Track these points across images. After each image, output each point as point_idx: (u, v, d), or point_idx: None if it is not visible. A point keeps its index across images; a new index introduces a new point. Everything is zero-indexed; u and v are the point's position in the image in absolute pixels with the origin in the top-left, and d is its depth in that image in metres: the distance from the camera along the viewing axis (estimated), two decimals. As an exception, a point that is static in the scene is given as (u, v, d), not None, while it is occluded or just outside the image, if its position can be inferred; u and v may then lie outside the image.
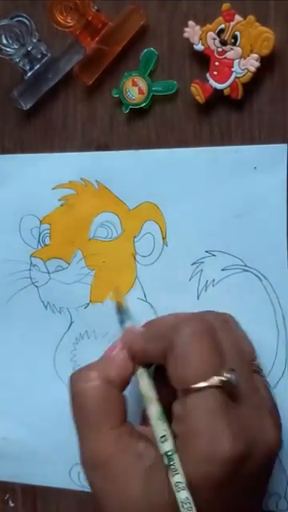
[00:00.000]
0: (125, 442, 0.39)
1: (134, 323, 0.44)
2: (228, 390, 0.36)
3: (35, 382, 0.52)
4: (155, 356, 0.40)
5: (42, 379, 0.51)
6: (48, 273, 0.50)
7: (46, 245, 0.51)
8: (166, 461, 0.36)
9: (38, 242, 0.51)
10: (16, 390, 0.52)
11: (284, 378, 0.45)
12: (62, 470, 0.51)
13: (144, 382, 0.41)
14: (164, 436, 0.37)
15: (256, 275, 0.45)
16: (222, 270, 0.46)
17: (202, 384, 0.35)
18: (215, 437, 0.35)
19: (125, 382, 0.41)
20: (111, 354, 0.42)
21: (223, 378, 0.36)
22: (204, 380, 0.36)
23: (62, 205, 0.50)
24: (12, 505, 0.54)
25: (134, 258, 0.48)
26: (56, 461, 0.51)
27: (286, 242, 0.44)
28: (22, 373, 0.52)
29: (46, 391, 0.51)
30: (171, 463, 0.35)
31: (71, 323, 0.50)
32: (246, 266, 0.45)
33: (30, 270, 0.51)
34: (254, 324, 0.45)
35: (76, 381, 0.41)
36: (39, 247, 0.51)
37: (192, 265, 0.47)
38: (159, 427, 0.38)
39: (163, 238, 0.47)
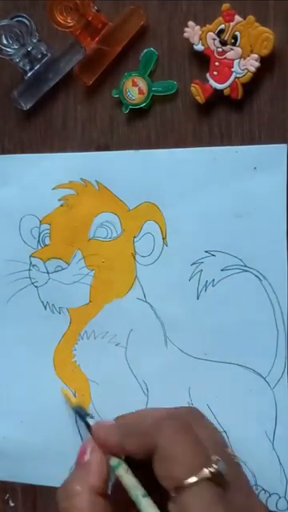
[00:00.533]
0: None
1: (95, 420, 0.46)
2: (218, 480, 0.37)
3: (35, 381, 0.52)
4: (134, 453, 0.40)
5: (42, 379, 0.51)
6: (47, 273, 0.51)
7: (45, 245, 0.51)
8: None
9: (38, 242, 0.51)
10: (16, 389, 0.52)
11: (284, 377, 0.45)
12: (62, 470, 0.51)
13: (128, 480, 0.41)
14: None
15: (256, 275, 0.45)
16: (222, 270, 0.46)
17: (194, 479, 0.36)
18: None
19: (106, 483, 0.42)
20: (84, 460, 0.42)
21: (212, 470, 0.36)
22: (194, 474, 0.36)
23: (61, 205, 0.50)
24: (12, 504, 0.54)
25: (134, 258, 0.48)
26: (56, 461, 0.51)
27: (286, 242, 0.44)
28: (21, 373, 0.52)
29: (46, 391, 0.51)
30: None
31: (70, 323, 0.51)
32: (245, 266, 0.46)
33: (29, 270, 0.51)
34: (253, 324, 0.45)
35: (62, 499, 0.41)
36: (39, 247, 0.51)
37: (192, 265, 0.47)
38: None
39: (163, 238, 0.47)
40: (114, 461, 0.41)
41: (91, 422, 0.46)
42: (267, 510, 0.41)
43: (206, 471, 0.36)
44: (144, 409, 0.44)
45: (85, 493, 0.40)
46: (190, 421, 0.40)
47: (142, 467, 0.40)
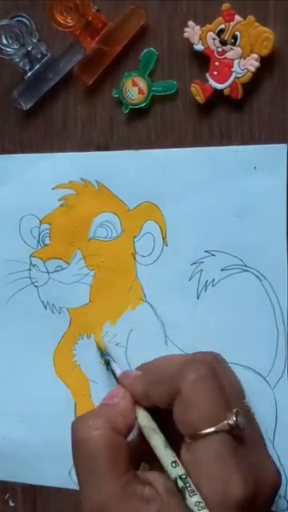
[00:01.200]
0: (131, 489, 0.38)
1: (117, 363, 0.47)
2: (235, 433, 0.36)
3: (35, 381, 0.52)
4: (159, 400, 0.40)
5: (42, 379, 0.51)
6: (48, 273, 0.51)
7: (45, 245, 0.51)
8: (180, 484, 0.36)
9: (38, 241, 0.51)
10: (16, 389, 0.52)
11: (284, 377, 0.45)
12: (62, 470, 0.51)
13: (142, 414, 0.41)
14: (175, 462, 0.37)
15: (256, 275, 0.45)
16: (222, 269, 0.46)
17: (211, 429, 0.36)
18: (227, 483, 0.35)
19: (130, 429, 0.41)
20: (113, 400, 0.42)
21: (231, 422, 0.36)
22: (212, 425, 0.36)
23: (61, 205, 0.50)
24: (12, 504, 0.54)
25: (134, 258, 0.48)
26: (56, 460, 0.51)
27: (286, 242, 0.44)
28: (21, 373, 0.52)
29: (46, 391, 0.51)
30: (187, 485, 0.35)
31: (70, 323, 0.51)
32: (245, 265, 0.46)
33: (29, 269, 0.51)
34: (253, 324, 0.45)
35: (80, 428, 0.40)
36: (39, 247, 0.51)
37: (192, 265, 0.47)
38: (168, 454, 0.38)
39: (163, 238, 0.47)
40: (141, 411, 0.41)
41: (113, 365, 0.46)
42: (278, 469, 0.40)
43: (224, 423, 0.36)
44: (169, 354, 0.43)
45: (106, 428, 0.39)
46: (214, 365, 0.39)
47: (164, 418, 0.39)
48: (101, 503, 0.37)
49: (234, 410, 0.37)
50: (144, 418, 0.41)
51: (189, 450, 0.37)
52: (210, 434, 0.36)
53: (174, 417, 0.38)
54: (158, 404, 0.40)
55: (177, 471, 0.37)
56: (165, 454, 0.38)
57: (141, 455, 0.41)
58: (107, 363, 0.47)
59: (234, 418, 0.36)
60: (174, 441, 0.39)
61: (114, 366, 0.47)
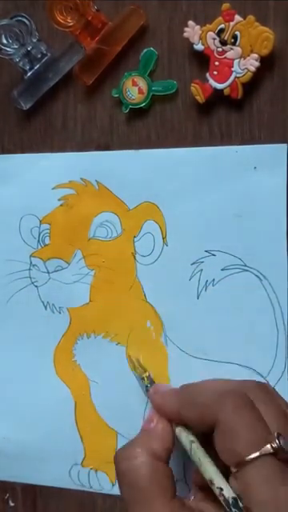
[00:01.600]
0: None
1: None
2: (281, 455, 0.36)
3: (35, 381, 0.52)
4: (190, 422, 0.40)
5: (42, 379, 0.51)
6: (48, 273, 0.50)
7: (45, 245, 0.51)
8: (232, 502, 0.36)
9: (38, 241, 0.51)
10: (16, 389, 0.52)
11: (284, 377, 0.45)
12: (62, 470, 0.51)
13: (182, 433, 0.41)
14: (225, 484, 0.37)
15: (256, 275, 0.45)
16: (222, 269, 0.46)
17: (256, 454, 0.35)
18: (278, 507, 0.34)
19: (169, 453, 0.41)
20: (150, 426, 0.42)
21: (274, 445, 0.36)
22: (256, 450, 0.35)
23: (61, 205, 0.50)
24: (12, 504, 0.54)
25: (134, 258, 0.48)
26: (56, 460, 0.51)
27: (286, 242, 0.44)
28: (21, 373, 0.52)
29: (46, 391, 0.51)
30: (241, 506, 0.35)
31: (70, 323, 0.51)
32: (245, 265, 0.46)
33: (29, 269, 0.51)
34: (253, 324, 0.45)
35: (122, 459, 0.40)
36: (39, 247, 0.51)
37: (192, 264, 0.47)
38: (215, 470, 0.37)
39: (163, 238, 0.47)
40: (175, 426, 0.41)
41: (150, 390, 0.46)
42: None
43: (268, 446, 0.35)
44: (206, 379, 0.43)
45: (147, 456, 0.39)
46: (253, 397, 0.39)
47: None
48: None
49: (275, 433, 0.36)
50: (185, 438, 0.41)
51: (236, 477, 0.36)
52: (255, 458, 0.35)
53: (216, 448, 0.37)
54: (189, 424, 0.40)
55: (231, 493, 0.36)
56: (210, 469, 0.38)
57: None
58: (143, 379, 0.47)
59: (277, 441, 0.36)
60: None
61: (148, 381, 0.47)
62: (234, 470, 0.36)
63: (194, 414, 0.39)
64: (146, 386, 0.47)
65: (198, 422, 0.39)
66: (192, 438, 0.40)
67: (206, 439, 0.39)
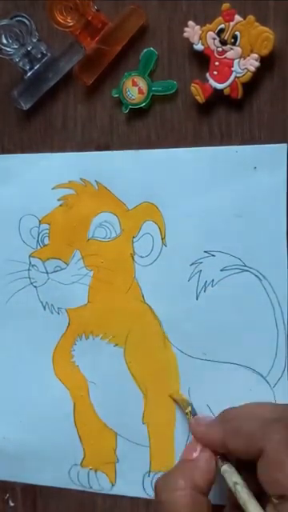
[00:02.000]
0: None
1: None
2: None
3: (34, 382, 0.52)
4: (236, 452, 0.40)
5: (41, 379, 0.51)
6: (47, 273, 0.50)
7: (44, 245, 0.51)
8: None
9: (37, 241, 0.51)
10: (15, 389, 0.52)
11: (284, 377, 0.45)
12: (62, 470, 0.51)
13: (226, 470, 0.41)
14: None
15: (255, 275, 0.45)
16: (222, 270, 0.46)
17: None
18: None
19: (211, 485, 0.41)
20: (193, 456, 0.42)
21: None
22: None
23: (61, 205, 0.50)
24: (12, 504, 0.54)
25: (133, 259, 0.48)
26: (55, 461, 0.51)
27: (286, 242, 0.44)
28: (21, 373, 0.52)
29: (45, 391, 0.51)
30: None
31: (69, 324, 0.50)
32: (245, 266, 0.45)
33: (28, 270, 0.51)
34: (253, 324, 0.45)
35: (163, 490, 0.40)
36: (38, 247, 0.51)
37: (191, 265, 0.47)
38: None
39: (162, 239, 0.47)
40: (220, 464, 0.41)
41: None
42: None
43: None
44: (249, 404, 0.43)
45: (188, 489, 0.39)
46: None
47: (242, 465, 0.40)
48: None
49: None
50: (229, 474, 0.40)
51: (276, 509, 0.36)
52: None
53: (258, 476, 0.37)
54: (235, 455, 0.40)
55: None
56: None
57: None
58: (186, 413, 0.47)
59: None
60: (256, 495, 0.39)
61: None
62: (275, 501, 0.36)
63: (239, 444, 0.39)
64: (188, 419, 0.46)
65: (243, 452, 0.39)
66: (236, 478, 0.40)
67: (246, 465, 0.39)
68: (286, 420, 0.39)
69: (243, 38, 0.43)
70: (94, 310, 0.49)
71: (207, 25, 0.44)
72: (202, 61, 0.45)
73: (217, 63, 0.44)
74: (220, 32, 0.44)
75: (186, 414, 0.47)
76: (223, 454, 0.42)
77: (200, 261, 0.46)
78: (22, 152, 0.51)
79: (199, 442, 0.43)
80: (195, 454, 0.42)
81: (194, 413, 0.46)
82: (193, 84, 0.45)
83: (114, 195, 0.49)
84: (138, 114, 0.48)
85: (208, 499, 0.40)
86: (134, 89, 0.47)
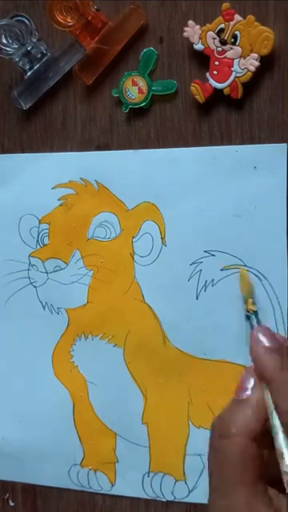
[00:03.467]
0: (256, 506, 0.37)
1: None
2: None
3: (34, 381, 0.52)
4: None
5: (41, 380, 0.51)
6: (46, 273, 0.50)
7: (44, 245, 0.51)
8: None
9: (37, 241, 0.51)
10: (15, 390, 0.52)
11: (284, 378, 0.45)
12: (61, 470, 0.51)
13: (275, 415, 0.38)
14: None
15: (255, 275, 0.45)
16: (221, 269, 0.46)
17: None
18: None
19: (264, 429, 0.38)
20: (245, 394, 0.39)
21: None
22: None
23: (61, 204, 0.50)
24: (12, 504, 0.54)
25: (133, 259, 0.48)
26: (55, 461, 0.51)
27: (286, 242, 0.44)
28: (20, 373, 0.52)
29: (45, 392, 0.51)
30: None
31: (68, 324, 0.50)
32: (245, 265, 0.45)
33: (28, 269, 0.51)
34: (253, 324, 0.45)
35: (215, 435, 0.39)
36: (38, 247, 0.51)
37: (191, 265, 0.47)
38: None
39: (162, 238, 0.47)
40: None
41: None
42: None
43: None
44: None
45: (240, 437, 0.37)
46: None
47: None
48: (225, 509, 0.37)
49: None
50: (270, 400, 0.38)
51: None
52: None
53: None
54: None
55: None
56: None
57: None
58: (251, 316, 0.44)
59: None
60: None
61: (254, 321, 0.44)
62: None
63: None
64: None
65: None
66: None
67: None
68: None
69: (243, 38, 0.43)
70: (93, 309, 0.49)
71: (207, 24, 0.44)
72: (201, 60, 0.45)
73: (217, 63, 0.44)
74: (220, 32, 0.44)
75: (246, 309, 0.44)
76: None
77: (200, 260, 0.46)
78: (22, 152, 0.51)
79: (255, 369, 0.39)
80: (248, 393, 0.39)
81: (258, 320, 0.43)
82: (193, 84, 0.45)
83: (114, 195, 0.48)
84: (137, 113, 0.48)
85: (260, 451, 0.38)
86: (134, 88, 0.47)
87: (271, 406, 0.38)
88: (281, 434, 0.37)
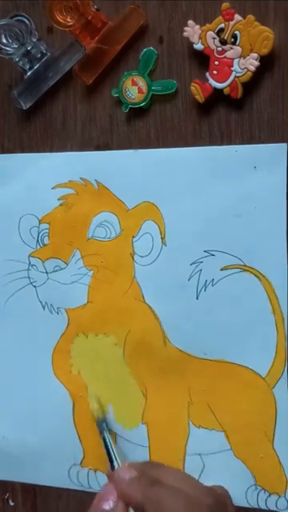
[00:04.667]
0: None
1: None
2: None
3: (33, 381, 0.52)
4: None
5: (41, 379, 0.51)
6: (46, 273, 0.50)
7: (44, 244, 0.51)
8: None
9: (37, 241, 0.51)
10: (14, 390, 0.52)
11: (284, 377, 0.45)
12: (61, 470, 0.51)
13: None
14: None
15: (255, 275, 0.45)
16: (222, 269, 0.46)
17: None
18: None
19: None
20: (106, 507, 0.41)
21: None
22: None
23: (61, 204, 0.50)
24: (12, 504, 0.54)
25: (133, 258, 0.48)
26: (55, 460, 0.51)
27: (286, 242, 0.44)
28: (20, 372, 0.52)
29: (45, 391, 0.51)
30: None
31: (68, 324, 0.50)
32: (245, 265, 0.45)
33: (28, 269, 0.51)
34: (253, 324, 0.45)
35: None
36: (38, 247, 0.51)
37: (191, 265, 0.47)
38: None
39: (162, 238, 0.47)
40: None
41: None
42: None
43: None
44: (171, 468, 0.44)
45: None
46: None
47: None
48: None
49: None
50: None
51: None
52: None
53: None
54: None
55: None
56: None
57: None
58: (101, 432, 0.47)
59: None
60: None
61: (108, 443, 0.46)
62: None
63: None
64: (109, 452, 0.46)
65: None
66: None
67: None
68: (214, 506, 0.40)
69: (243, 38, 0.43)
70: (93, 309, 0.49)
71: (207, 24, 0.44)
72: (201, 60, 0.45)
73: (217, 63, 0.44)
74: (220, 31, 0.44)
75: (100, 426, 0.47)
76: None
77: (200, 260, 0.46)
78: (22, 151, 0.52)
79: (118, 495, 0.41)
80: (108, 506, 0.41)
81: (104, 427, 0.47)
82: (193, 83, 0.45)
83: (114, 195, 0.49)
84: (137, 113, 0.48)
85: None
86: (134, 88, 0.47)
87: None
88: None
